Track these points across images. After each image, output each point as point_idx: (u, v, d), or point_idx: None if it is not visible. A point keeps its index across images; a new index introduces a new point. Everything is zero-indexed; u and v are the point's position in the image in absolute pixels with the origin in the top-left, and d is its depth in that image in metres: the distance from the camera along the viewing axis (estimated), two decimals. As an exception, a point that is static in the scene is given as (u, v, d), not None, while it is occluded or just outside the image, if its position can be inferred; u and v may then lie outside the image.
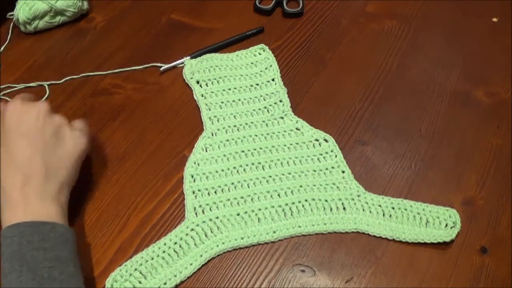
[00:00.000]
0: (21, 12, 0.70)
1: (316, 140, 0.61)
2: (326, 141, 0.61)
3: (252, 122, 0.62)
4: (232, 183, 0.57)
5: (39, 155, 0.49)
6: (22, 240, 0.43)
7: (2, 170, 0.48)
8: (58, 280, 0.42)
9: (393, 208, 0.55)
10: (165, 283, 0.49)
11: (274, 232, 0.53)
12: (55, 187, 0.48)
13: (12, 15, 0.72)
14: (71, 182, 0.51)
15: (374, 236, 0.53)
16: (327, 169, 0.58)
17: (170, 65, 0.69)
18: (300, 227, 0.54)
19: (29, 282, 0.41)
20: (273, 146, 0.60)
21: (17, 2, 0.71)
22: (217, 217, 0.54)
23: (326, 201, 0.55)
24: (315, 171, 0.58)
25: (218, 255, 0.52)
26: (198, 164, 0.58)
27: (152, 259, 0.50)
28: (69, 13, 0.73)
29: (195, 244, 0.52)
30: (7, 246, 0.43)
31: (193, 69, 0.68)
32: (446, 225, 0.53)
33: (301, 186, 0.56)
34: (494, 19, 0.78)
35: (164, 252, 0.51)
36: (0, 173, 0.48)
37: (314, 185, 0.57)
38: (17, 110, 0.51)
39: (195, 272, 0.50)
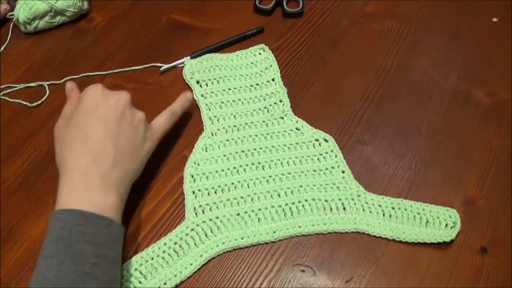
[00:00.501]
0: (21, 12, 0.70)
1: (316, 140, 0.61)
2: (326, 141, 0.61)
3: (252, 122, 0.62)
4: (232, 183, 0.57)
5: (111, 140, 0.48)
6: (74, 228, 0.41)
7: (70, 146, 0.47)
8: (99, 279, 0.40)
9: (393, 208, 0.55)
10: (165, 283, 0.49)
11: (274, 232, 0.53)
12: (120, 176, 0.47)
13: (12, 15, 0.72)
14: (135, 176, 0.51)
15: (374, 236, 0.53)
16: (327, 169, 0.58)
17: (170, 65, 0.69)
18: (300, 227, 0.54)
19: (70, 273, 0.39)
20: (273, 146, 0.60)
21: (17, 2, 0.71)
22: (217, 217, 0.54)
23: (326, 201, 0.55)
24: (315, 171, 0.58)
25: (218, 255, 0.52)
26: (198, 164, 0.58)
27: (152, 259, 0.50)
28: (69, 13, 0.73)
29: (195, 244, 0.52)
30: (57, 229, 0.41)
31: (193, 69, 0.68)
32: (446, 225, 0.53)
33: (301, 186, 0.56)
34: (494, 19, 0.78)
35: (164, 252, 0.51)
36: (69, 149, 0.47)
37: (314, 185, 0.57)
38: (98, 94, 0.51)
39: (195, 272, 0.50)
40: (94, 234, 0.42)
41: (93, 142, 0.47)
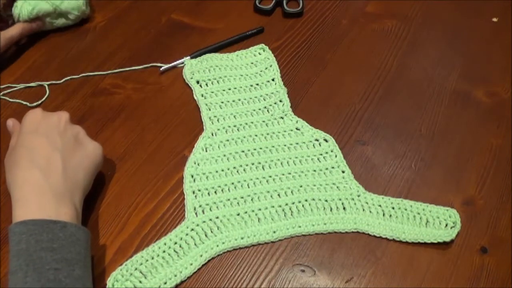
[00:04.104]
0: (22, 11, 0.69)
1: (316, 140, 0.61)
2: (326, 141, 0.61)
3: (252, 122, 0.62)
4: (232, 183, 0.57)
5: (58, 152, 0.49)
6: (30, 238, 0.42)
7: (18, 166, 0.47)
8: (63, 283, 0.41)
9: (393, 208, 0.55)
10: (165, 283, 0.49)
11: (274, 232, 0.53)
12: (71, 186, 0.48)
13: (11, 14, 0.71)
14: (87, 187, 0.51)
15: (374, 236, 0.53)
16: (327, 169, 0.58)
17: (170, 65, 0.69)
18: (300, 227, 0.54)
19: (35, 283, 0.41)
20: (273, 146, 0.60)
21: (16, 2, 0.70)
22: (217, 217, 0.54)
23: (326, 201, 0.55)
24: (315, 171, 0.58)
25: (218, 255, 0.52)
26: (198, 164, 0.58)
27: (153, 258, 0.50)
28: (72, 15, 0.72)
29: (195, 244, 0.52)
30: (15, 243, 0.43)
31: (193, 69, 0.68)
32: (446, 225, 0.53)
33: (301, 186, 0.56)
34: (494, 19, 0.78)
35: (164, 252, 0.51)
36: (17, 168, 0.47)
37: (314, 185, 0.57)
38: (38, 116, 0.52)
39: (195, 272, 0.50)
40: (50, 240, 0.43)
41: (40, 157, 0.48)
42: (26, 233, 0.43)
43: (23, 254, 0.42)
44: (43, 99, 0.65)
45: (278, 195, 0.56)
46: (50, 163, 0.48)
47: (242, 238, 0.53)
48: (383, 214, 0.54)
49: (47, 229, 0.43)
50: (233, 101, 0.64)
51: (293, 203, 0.55)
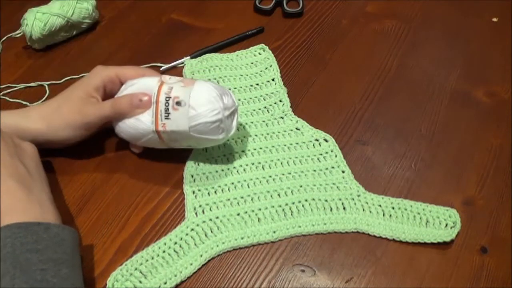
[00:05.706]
0: (34, 29, 0.67)
1: (316, 140, 0.61)
2: (326, 141, 0.61)
3: (252, 122, 0.62)
4: (232, 183, 0.57)
5: (17, 161, 0.49)
6: (16, 241, 0.43)
7: None
8: (51, 283, 0.42)
9: (393, 208, 0.55)
10: (165, 283, 0.49)
11: (274, 232, 0.53)
12: (42, 186, 0.48)
13: (20, 33, 0.69)
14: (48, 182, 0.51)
15: (374, 236, 0.53)
16: (327, 169, 0.58)
17: (170, 65, 0.69)
18: (300, 227, 0.54)
19: (22, 284, 0.41)
20: (273, 146, 0.60)
21: (24, 18, 0.68)
22: (217, 217, 0.54)
23: (326, 201, 0.55)
24: (315, 171, 0.58)
25: (218, 255, 0.52)
26: (198, 164, 0.58)
27: (153, 258, 0.50)
28: (85, 25, 0.72)
29: (195, 244, 0.52)
30: (1, 248, 0.43)
31: (193, 69, 0.68)
32: (446, 225, 0.53)
33: (301, 186, 0.56)
34: (494, 19, 0.78)
35: (164, 252, 0.51)
36: None
37: (314, 185, 0.57)
38: None
39: (195, 272, 0.50)
40: (35, 241, 0.43)
41: (8, 170, 0.47)
42: (11, 236, 0.43)
43: (10, 257, 0.42)
44: (43, 99, 0.65)
45: (278, 195, 0.56)
46: (18, 171, 0.48)
47: (242, 238, 0.53)
48: (383, 214, 0.54)
49: (31, 231, 0.44)
50: (233, 101, 0.64)
51: (293, 203, 0.55)
